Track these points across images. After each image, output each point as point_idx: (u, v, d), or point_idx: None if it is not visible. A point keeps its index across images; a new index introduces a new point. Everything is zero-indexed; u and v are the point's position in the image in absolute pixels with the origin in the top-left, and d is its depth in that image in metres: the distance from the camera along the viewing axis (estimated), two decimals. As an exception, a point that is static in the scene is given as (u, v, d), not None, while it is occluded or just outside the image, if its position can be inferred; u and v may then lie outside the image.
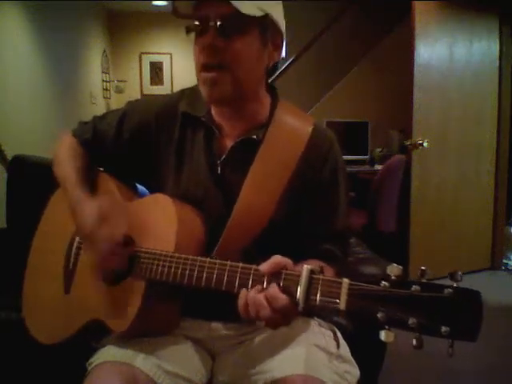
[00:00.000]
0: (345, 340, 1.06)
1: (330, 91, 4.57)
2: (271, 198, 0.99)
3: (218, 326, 1.03)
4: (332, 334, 1.05)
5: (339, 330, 1.09)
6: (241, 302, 0.82)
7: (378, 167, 3.92)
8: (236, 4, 0.89)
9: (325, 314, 1.10)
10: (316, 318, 1.07)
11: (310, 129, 1.04)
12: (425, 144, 3.22)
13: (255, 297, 0.80)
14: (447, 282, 0.68)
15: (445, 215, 3.55)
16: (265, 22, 0.96)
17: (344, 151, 1.08)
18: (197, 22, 0.95)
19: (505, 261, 3.88)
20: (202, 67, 0.95)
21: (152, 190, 1.10)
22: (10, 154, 2.22)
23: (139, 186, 1.19)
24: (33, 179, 1.77)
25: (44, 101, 3.93)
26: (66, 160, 1.12)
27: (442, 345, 0.68)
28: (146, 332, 0.97)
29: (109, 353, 0.95)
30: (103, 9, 5.81)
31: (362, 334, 1.10)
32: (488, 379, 2.25)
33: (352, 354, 1.03)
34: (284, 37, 1.03)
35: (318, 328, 1.04)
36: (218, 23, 0.91)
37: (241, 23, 0.92)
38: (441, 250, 3.45)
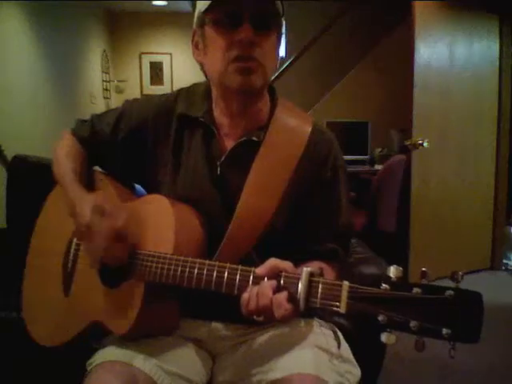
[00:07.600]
0: (345, 340, 1.06)
1: (330, 91, 4.57)
2: (273, 200, 0.98)
3: (218, 327, 1.03)
4: (333, 335, 1.05)
5: (340, 330, 1.09)
6: (244, 296, 0.83)
7: (378, 167, 3.92)
8: None
9: (325, 314, 1.09)
10: (317, 319, 1.07)
11: (309, 129, 1.04)
12: (425, 144, 3.21)
13: (257, 289, 0.80)
14: (446, 282, 0.68)
15: (445, 215, 3.54)
16: (281, 21, 1.00)
17: (344, 151, 1.08)
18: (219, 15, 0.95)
19: (505, 261, 3.88)
20: (237, 58, 0.94)
21: (149, 191, 1.10)
22: (10, 154, 2.22)
23: (137, 187, 1.18)
24: (33, 179, 1.77)
25: (44, 101, 3.93)
26: (64, 158, 1.12)
27: (441, 345, 0.68)
28: (147, 333, 0.97)
29: (108, 353, 0.94)
30: (103, 9, 5.80)
31: (363, 335, 1.10)
32: (488, 379, 2.24)
33: (352, 354, 1.03)
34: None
35: (319, 328, 1.04)
36: (254, 17, 0.93)
37: (270, 19, 0.97)
38: (441, 250, 3.45)
